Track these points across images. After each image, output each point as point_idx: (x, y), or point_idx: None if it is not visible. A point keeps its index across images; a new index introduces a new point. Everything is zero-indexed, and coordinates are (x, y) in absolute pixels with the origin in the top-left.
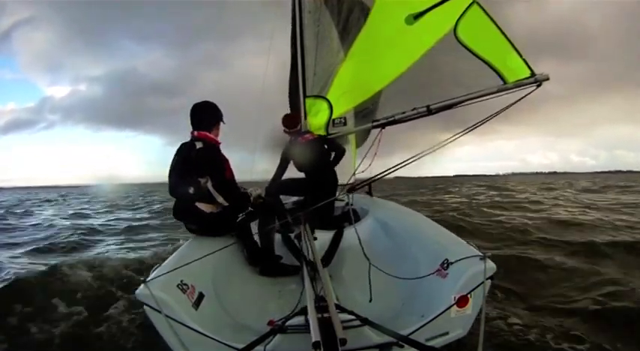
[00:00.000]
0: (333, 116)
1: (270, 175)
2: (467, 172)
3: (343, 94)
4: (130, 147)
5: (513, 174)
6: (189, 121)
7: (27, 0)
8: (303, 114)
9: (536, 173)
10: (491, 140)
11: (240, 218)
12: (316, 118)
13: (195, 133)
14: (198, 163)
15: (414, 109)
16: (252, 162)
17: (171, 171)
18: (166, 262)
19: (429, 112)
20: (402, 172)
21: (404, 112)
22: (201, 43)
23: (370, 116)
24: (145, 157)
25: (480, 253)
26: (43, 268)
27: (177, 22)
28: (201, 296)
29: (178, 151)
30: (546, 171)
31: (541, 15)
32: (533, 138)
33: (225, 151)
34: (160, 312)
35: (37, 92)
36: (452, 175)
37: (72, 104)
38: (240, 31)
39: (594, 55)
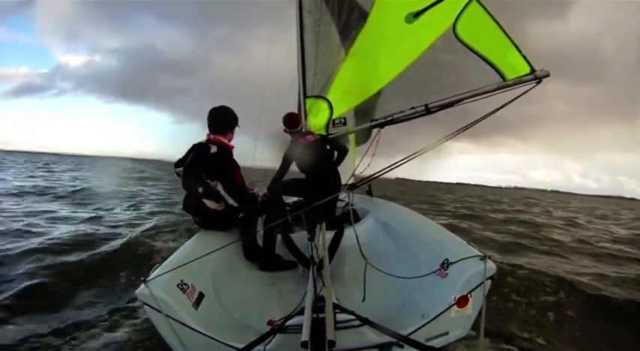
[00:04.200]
0: (334, 116)
1: (270, 163)
2: (469, 181)
3: (343, 93)
4: (137, 121)
5: (516, 188)
6: (198, 102)
7: None
8: (303, 114)
9: (540, 190)
10: (497, 152)
11: (242, 214)
12: (317, 119)
13: (211, 136)
14: (211, 166)
15: (412, 108)
16: (254, 149)
17: (185, 167)
18: (167, 261)
19: (428, 111)
20: (405, 175)
21: (402, 112)
22: (219, 28)
23: (368, 115)
24: (151, 133)
25: (480, 254)
26: None
27: (199, 5)
28: (201, 296)
29: (192, 149)
30: (549, 189)
31: (556, 36)
32: (537, 155)
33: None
34: (160, 312)
35: (52, 59)
36: (454, 182)
37: (85, 74)
38: (257, 20)
39: (606, 79)
